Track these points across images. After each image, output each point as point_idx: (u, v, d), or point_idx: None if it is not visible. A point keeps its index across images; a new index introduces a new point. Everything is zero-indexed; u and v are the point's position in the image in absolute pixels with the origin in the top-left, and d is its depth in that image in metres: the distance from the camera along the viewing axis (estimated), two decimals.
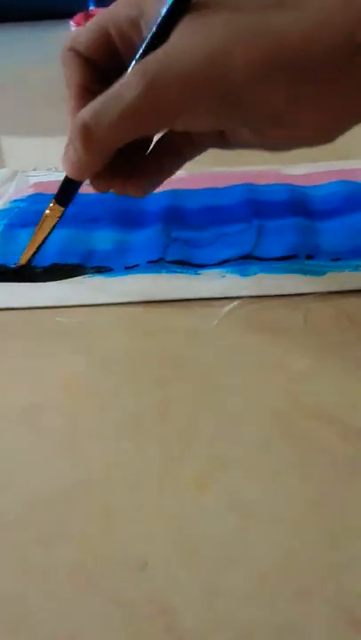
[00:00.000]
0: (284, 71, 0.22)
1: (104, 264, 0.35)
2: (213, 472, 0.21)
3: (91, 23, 0.27)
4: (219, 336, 0.29)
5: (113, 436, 0.23)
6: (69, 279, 0.34)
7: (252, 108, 0.24)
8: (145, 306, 0.31)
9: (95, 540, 0.19)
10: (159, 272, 0.33)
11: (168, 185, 0.45)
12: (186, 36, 0.24)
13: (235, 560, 0.18)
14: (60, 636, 0.17)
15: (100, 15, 0.27)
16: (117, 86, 0.25)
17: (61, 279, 0.34)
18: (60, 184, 0.31)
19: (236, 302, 0.31)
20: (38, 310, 0.31)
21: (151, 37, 0.25)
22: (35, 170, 0.52)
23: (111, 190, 0.30)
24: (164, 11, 0.24)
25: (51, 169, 0.52)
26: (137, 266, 0.34)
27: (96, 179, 0.29)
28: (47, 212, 0.32)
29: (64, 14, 2.12)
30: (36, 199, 0.44)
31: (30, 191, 0.46)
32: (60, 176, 0.50)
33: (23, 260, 0.34)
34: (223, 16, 0.23)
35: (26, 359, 0.28)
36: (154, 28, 0.24)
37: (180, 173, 0.48)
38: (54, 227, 0.32)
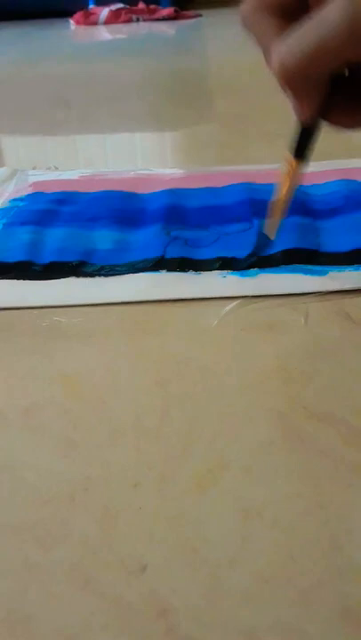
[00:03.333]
0: None
1: (104, 263, 0.35)
2: (214, 473, 0.21)
3: None
4: (219, 336, 0.29)
5: (113, 437, 0.23)
6: (69, 278, 0.34)
7: None
8: (145, 305, 0.31)
9: (95, 540, 0.19)
10: (159, 272, 0.33)
11: (168, 184, 0.45)
12: None
13: (235, 561, 0.18)
14: (59, 637, 0.17)
15: None
16: (317, 15, 0.23)
17: (61, 278, 0.34)
18: (294, 137, 0.28)
19: (236, 302, 0.31)
20: (37, 310, 0.31)
21: None
22: (34, 169, 0.52)
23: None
24: None
25: (50, 168, 0.52)
26: (137, 265, 0.34)
27: (317, 118, 0.27)
28: (286, 170, 0.28)
29: (64, 13, 2.11)
30: (36, 198, 0.44)
31: (29, 190, 0.46)
32: (60, 175, 0.50)
33: (271, 228, 0.30)
34: None
35: (26, 359, 0.28)
36: None
37: (179, 173, 0.49)
38: (297, 185, 0.29)
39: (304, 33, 0.24)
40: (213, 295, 0.31)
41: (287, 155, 0.28)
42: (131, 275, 0.33)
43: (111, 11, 1.98)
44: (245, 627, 0.17)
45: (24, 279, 0.34)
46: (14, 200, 0.44)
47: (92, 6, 2.09)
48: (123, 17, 1.98)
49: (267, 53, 0.26)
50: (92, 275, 0.34)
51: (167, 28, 1.82)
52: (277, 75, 0.25)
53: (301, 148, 0.27)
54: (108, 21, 1.97)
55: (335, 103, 0.26)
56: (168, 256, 0.35)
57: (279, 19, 0.26)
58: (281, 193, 0.28)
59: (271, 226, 0.30)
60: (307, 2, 0.26)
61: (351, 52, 0.24)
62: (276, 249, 0.34)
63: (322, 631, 0.16)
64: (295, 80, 0.25)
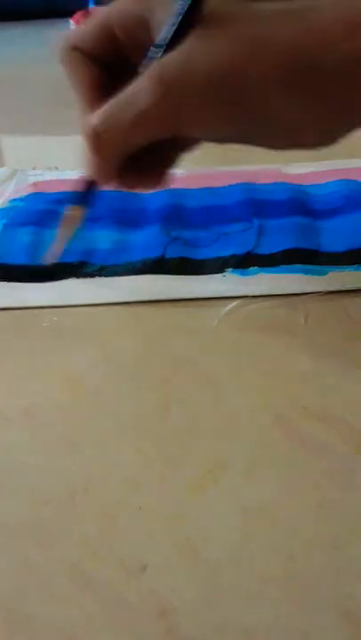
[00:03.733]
0: (297, 79, 0.22)
1: (104, 263, 0.35)
2: (214, 473, 0.21)
3: (91, 21, 0.26)
4: (219, 336, 0.29)
5: (113, 436, 0.23)
6: (70, 278, 0.34)
7: (267, 116, 0.23)
8: (145, 305, 0.31)
9: (95, 540, 0.19)
10: (159, 272, 0.33)
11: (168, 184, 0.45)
12: (202, 43, 0.23)
13: (235, 561, 0.18)
14: (60, 636, 0.17)
15: (101, 13, 0.26)
16: (130, 90, 0.24)
17: (62, 279, 0.34)
18: (79, 189, 0.30)
19: (236, 302, 0.31)
20: (37, 310, 0.31)
21: (165, 40, 0.24)
22: (34, 169, 0.52)
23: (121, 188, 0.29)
24: (179, 12, 0.23)
25: (50, 168, 0.52)
26: (137, 265, 0.34)
27: (111, 180, 0.28)
28: (67, 212, 0.30)
29: (64, 13, 2.11)
30: (35, 198, 0.44)
31: (29, 190, 0.46)
32: (60, 175, 0.50)
33: (50, 259, 0.31)
34: (239, 26, 0.23)
35: (27, 359, 0.28)
36: (169, 31, 0.24)
37: (179, 172, 0.49)
38: (78, 227, 0.30)
39: (118, 106, 0.24)
40: (213, 295, 0.31)
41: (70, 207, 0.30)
42: (131, 275, 0.33)
43: None
44: (245, 626, 0.17)
45: (24, 280, 0.34)
46: (14, 200, 0.44)
47: (92, 6, 2.09)
48: None
49: (81, 105, 0.27)
50: (92, 275, 0.34)
51: None
52: (89, 142, 0.25)
53: (85, 198, 0.30)
54: None
55: (131, 169, 0.27)
56: (168, 256, 0.35)
57: (95, 69, 0.27)
58: (61, 231, 0.30)
59: (50, 256, 0.31)
60: (118, 45, 0.26)
61: (161, 134, 0.25)
62: (276, 249, 0.34)
63: (321, 631, 0.16)
64: (104, 150, 0.25)
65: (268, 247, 0.35)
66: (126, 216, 0.40)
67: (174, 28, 0.24)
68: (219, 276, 0.33)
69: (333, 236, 0.35)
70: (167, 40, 0.24)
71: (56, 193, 0.45)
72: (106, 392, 0.26)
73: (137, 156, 0.26)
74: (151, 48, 0.24)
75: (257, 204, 0.40)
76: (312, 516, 0.20)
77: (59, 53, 0.27)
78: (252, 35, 0.23)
